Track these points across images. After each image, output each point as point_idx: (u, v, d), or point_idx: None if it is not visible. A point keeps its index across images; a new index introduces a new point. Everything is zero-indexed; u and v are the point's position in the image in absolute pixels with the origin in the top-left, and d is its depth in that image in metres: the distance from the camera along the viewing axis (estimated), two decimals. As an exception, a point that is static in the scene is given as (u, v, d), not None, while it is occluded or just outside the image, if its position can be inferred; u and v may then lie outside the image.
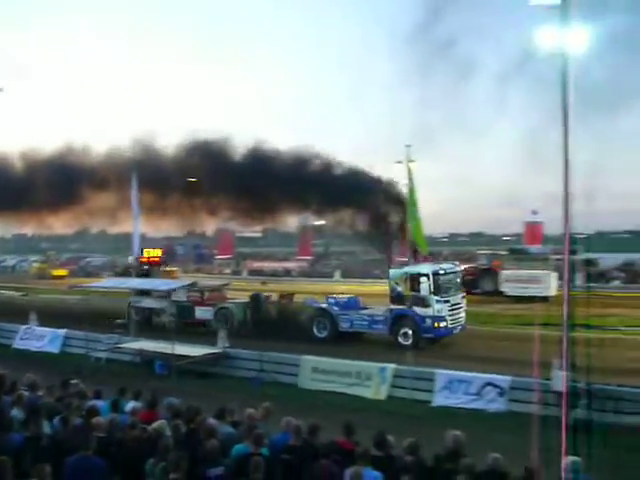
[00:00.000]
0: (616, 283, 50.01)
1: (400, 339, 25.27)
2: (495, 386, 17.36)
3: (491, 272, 47.14)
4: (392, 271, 26.97)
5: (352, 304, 28.24)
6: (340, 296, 29.11)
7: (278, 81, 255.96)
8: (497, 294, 41.72)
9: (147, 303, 31.35)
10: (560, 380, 15.23)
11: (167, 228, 47.84)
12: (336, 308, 27.47)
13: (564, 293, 16.35)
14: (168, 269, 62.09)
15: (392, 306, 25.98)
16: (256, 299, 31.32)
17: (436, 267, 26.79)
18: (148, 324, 30.44)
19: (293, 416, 9.32)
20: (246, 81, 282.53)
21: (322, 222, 56.30)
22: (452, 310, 25.74)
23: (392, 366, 19.08)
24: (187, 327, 29.25)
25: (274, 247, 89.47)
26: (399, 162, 26.94)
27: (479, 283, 46.45)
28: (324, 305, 27.95)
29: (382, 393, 18.83)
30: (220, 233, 60.49)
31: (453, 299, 25.99)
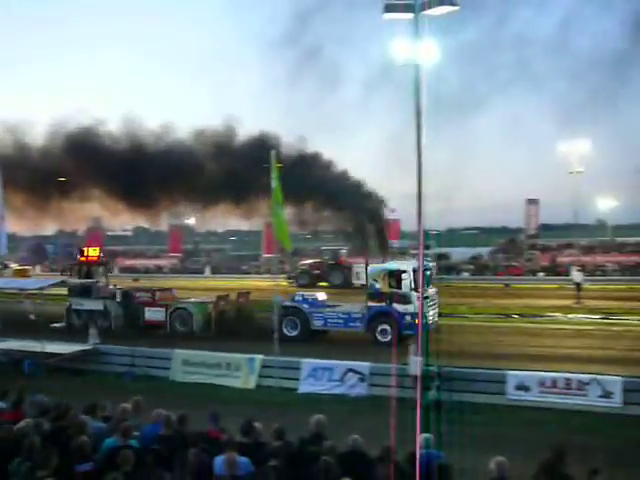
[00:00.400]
0: (465, 275, 52.61)
1: (378, 336, 23.99)
2: (356, 372, 17.75)
3: (338, 266, 48.38)
4: (370, 268, 25.50)
5: (318, 302, 26.58)
6: (308, 294, 27.51)
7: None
8: (348, 287, 42.43)
9: (89, 305, 28.85)
10: (415, 365, 15.82)
11: (39, 227, 44.82)
12: (306, 306, 25.85)
13: (419, 283, 17.03)
14: (20, 268, 59.44)
15: (370, 303, 24.62)
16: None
17: (416, 263, 25.47)
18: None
19: (164, 408, 9.16)
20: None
21: (193, 220, 55.72)
22: (430, 306, 24.72)
23: (260, 357, 19.10)
24: (139, 330, 27.28)
25: (145, 245, 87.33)
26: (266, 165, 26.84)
27: (327, 277, 47.45)
28: (296, 303, 25.99)
29: (251, 383, 18.81)
30: (90, 231, 58.40)
31: (430, 295, 25.06)
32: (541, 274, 51.24)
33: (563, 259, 54.61)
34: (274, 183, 19.81)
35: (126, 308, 28.51)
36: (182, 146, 33.87)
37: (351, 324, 24.91)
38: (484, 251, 63.03)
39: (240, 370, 19.16)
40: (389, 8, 17.24)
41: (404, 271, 24.57)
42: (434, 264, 32.54)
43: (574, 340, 24.27)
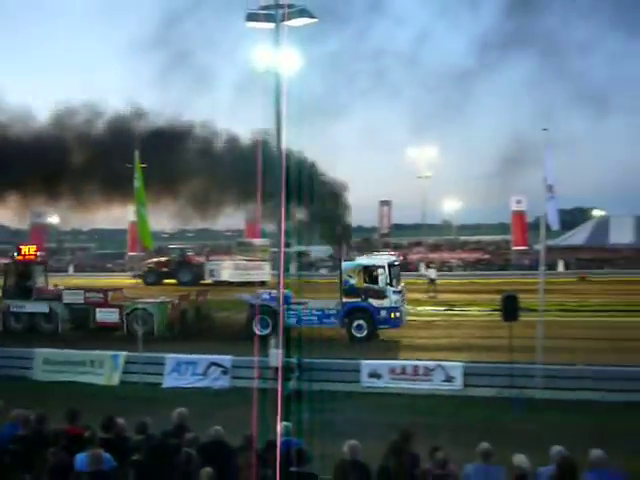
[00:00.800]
0: (323, 271, 53.51)
1: (354, 332, 23.27)
2: (219, 365, 17.64)
3: (187, 264, 47.49)
4: (345, 264, 24.74)
5: (288, 299, 24.08)
6: (274, 291, 25.93)
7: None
8: (196, 284, 41.63)
9: (31, 308, 26.21)
10: (276, 357, 15.93)
11: None
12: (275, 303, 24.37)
13: (280, 280, 17.17)
14: None
15: (344, 299, 23.75)
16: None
17: (392, 259, 25.81)
18: (32, 331, 25.60)
19: (25, 408, 8.69)
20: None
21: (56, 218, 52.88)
22: (402, 301, 24.44)
23: (124, 353, 18.55)
24: (90, 333, 25.05)
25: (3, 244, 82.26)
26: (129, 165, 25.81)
27: (175, 275, 46.28)
28: (266, 301, 24.10)
29: (115, 379, 18.22)
30: (33, 227, 54.13)
31: (402, 290, 24.71)
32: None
33: (413, 256, 56.85)
34: (137, 183, 19.24)
35: (72, 310, 26.11)
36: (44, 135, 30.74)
37: (325, 320, 23.83)
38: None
39: (104, 367, 18.51)
40: (251, 17, 17.32)
41: (380, 266, 24.19)
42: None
43: (423, 331, 25.26)
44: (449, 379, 16.18)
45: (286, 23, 16.99)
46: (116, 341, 22.94)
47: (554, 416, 13.91)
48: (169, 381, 17.83)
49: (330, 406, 13.98)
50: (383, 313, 23.31)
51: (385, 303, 23.43)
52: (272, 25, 17.20)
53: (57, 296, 26.47)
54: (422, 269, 50.48)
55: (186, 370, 17.88)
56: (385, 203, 65.90)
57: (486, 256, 56.24)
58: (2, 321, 26.32)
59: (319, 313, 23.85)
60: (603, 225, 60.29)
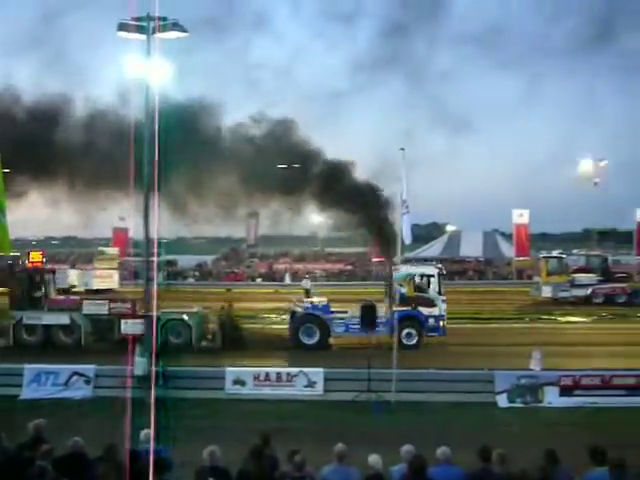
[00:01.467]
0: (191, 280, 52.78)
1: (403, 340, 22.09)
2: (81, 375, 16.90)
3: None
4: (396, 273, 23.78)
5: (327, 308, 24.18)
6: (316, 301, 25.06)
7: None
8: None
9: (48, 319, 23.71)
10: (141, 365, 15.52)
11: None
12: (324, 313, 23.56)
13: (153, 289, 16.85)
14: None
15: (395, 308, 22.44)
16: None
17: (439, 268, 25.50)
18: (48, 345, 23.37)
19: None
20: None
21: None
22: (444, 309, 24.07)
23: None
24: (115, 345, 22.55)
25: None
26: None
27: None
28: (315, 310, 23.73)
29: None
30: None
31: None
32: (259, 279, 53.16)
33: (278, 266, 57.25)
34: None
35: (93, 321, 24.08)
36: None
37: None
38: (209, 259, 63.94)
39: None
40: (122, 27, 16.85)
41: (431, 275, 24.19)
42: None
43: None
44: (311, 384, 16.42)
45: (158, 35, 16.68)
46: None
47: (408, 417, 14.49)
48: (28, 392, 16.82)
49: (194, 413, 13.81)
50: (431, 321, 23.30)
51: (434, 311, 23.46)
52: (143, 36, 16.85)
53: (76, 306, 24.38)
54: (287, 279, 50.99)
55: (46, 380, 16.96)
56: (253, 215, 65.75)
57: (349, 267, 57.59)
58: (12, 334, 23.82)
59: None
60: (455, 239, 63.58)
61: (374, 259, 53.76)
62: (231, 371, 16.77)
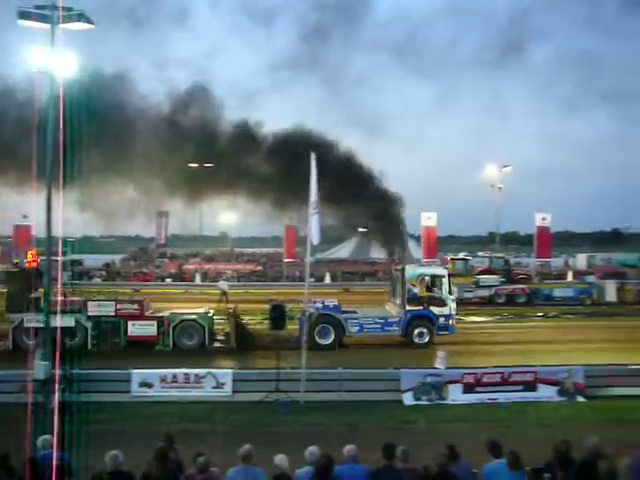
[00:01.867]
0: (97, 280, 51.33)
1: (415, 339, 23.26)
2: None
3: None
4: (408, 273, 24.19)
5: (337, 308, 24.08)
6: (328, 301, 24.60)
7: None
8: None
9: (52, 322, 20.99)
10: (41, 369, 14.96)
11: None
12: (338, 313, 23.69)
13: (59, 289, 16.28)
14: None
15: (408, 307, 23.60)
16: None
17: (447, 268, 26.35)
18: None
19: None
20: None
21: None
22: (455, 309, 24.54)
23: None
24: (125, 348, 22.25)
25: None
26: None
27: None
28: (329, 310, 23.61)
29: None
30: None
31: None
32: (169, 280, 52.24)
33: (189, 266, 56.42)
34: None
35: (98, 323, 22.93)
36: None
37: (387, 328, 23.66)
38: (117, 258, 62.28)
39: None
40: (23, 15, 16.11)
41: (442, 275, 24.47)
42: None
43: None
44: (219, 385, 16.29)
45: (62, 26, 16.06)
46: (167, 356, 21.14)
47: (316, 417, 14.63)
48: None
49: (98, 417, 13.44)
50: (442, 320, 23.67)
51: (445, 311, 23.81)
52: (47, 26, 16.19)
53: (79, 308, 23.11)
54: (197, 279, 50.37)
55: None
56: (162, 214, 64.60)
57: (259, 268, 57.45)
58: (12, 338, 22.55)
59: (382, 321, 23.81)
60: (366, 240, 64.47)
61: (286, 260, 53.97)
62: (137, 373, 16.40)
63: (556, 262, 67.22)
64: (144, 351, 22.04)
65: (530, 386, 16.34)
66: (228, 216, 66.91)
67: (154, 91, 25.72)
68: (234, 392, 16.25)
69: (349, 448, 7.52)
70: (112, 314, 23.15)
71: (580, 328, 28.33)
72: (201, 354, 21.92)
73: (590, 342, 23.95)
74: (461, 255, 53.64)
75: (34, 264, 26.04)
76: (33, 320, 22.09)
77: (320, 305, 23.81)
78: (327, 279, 51.06)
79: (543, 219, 51.89)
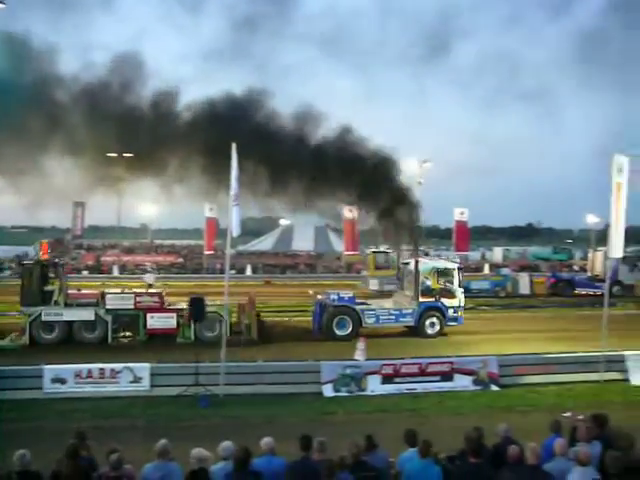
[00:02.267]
0: (7, 273, 49.48)
1: (427, 329, 24.18)
2: None
3: None
4: (422, 267, 25.05)
5: (352, 300, 24.70)
6: (343, 292, 25.31)
7: None
8: None
9: (71, 315, 21.99)
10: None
11: None
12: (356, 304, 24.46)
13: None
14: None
15: (421, 299, 24.55)
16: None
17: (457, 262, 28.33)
18: (67, 342, 21.76)
19: None
20: None
21: None
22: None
23: None
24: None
25: None
26: None
27: None
28: (345, 302, 24.24)
29: None
30: None
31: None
32: (85, 272, 50.79)
33: (106, 258, 55.03)
34: None
35: (117, 316, 22.52)
36: None
37: (402, 319, 24.52)
38: (30, 250, 59.98)
39: None
40: None
41: (453, 269, 25.57)
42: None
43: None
44: (136, 380, 15.95)
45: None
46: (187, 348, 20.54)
47: (235, 410, 14.58)
48: None
49: (8, 416, 12.97)
50: (451, 312, 24.65)
51: (454, 302, 24.82)
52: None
53: (97, 301, 22.71)
54: (115, 271, 49.14)
55: None
56: (79, 204, 62.68)
57: (180, 260, 56.62)
58: (29, 331, 21.83)
59: (396, 313, 24.57)
60: (288, 233, 64.58)
61: (206, 252, 53.35)
62: (50, 369, 15.86)
63: (474, 255, 69.36)
64: (164, 344, 21.76)
65: (447, 376, 16.78)
66: (148, 207, 65.87)
67: (72, 72, 24.60)
68: (152, 386, 15.96)
69: (266, 441, 7.53)
70: (131, 307, 22.72)
71: (495, 320, 29.26)
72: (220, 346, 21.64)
73: (504, 332, 24.85)
74: (382, 248, 54.49)
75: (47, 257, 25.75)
76: (52, 313, 21.98)
77: (335, 297, 24.39)
78: (248, 271, 50.80)
79: (461, 213, 53.27)
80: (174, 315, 22.84)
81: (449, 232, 61.84)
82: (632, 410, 14.38)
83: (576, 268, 53.72)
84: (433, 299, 24.78)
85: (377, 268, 40.67)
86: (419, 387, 16.49)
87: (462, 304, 25.30)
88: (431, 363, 16.93)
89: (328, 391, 16.16)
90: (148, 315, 22.60)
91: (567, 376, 17.24)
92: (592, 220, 62.99)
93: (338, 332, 23.70)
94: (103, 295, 22.87)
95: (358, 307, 24.38)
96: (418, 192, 52.77)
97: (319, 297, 25.32)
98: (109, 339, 22.22)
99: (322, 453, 7.21)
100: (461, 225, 54.39)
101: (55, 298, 22.55)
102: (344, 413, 14.60)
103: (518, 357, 18.16)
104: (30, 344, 21.63)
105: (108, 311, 22.36)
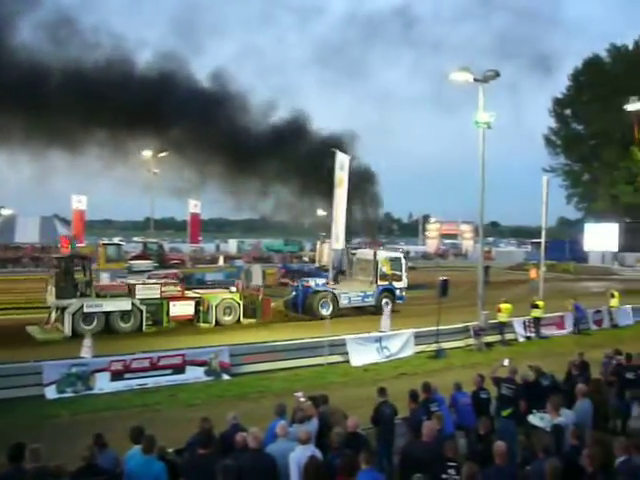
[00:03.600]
0: None
1: (383, 307, 25.71)
2: None
3: None
4: (380, 256, 30.24)
5: (324, 285, 29.26)
6: (318, 280, 29.75)
7: None
8: None
9: (110, 306, 22.80)
10: None
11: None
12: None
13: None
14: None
15: (379, 282, 29.63)
16: None
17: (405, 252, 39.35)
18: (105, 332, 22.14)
19: None
20: None
21: None
22: None
23: None
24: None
25: None
26: None
27: None
28: (323, 287, 28.78)
29: None
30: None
31: None
32: None
33: None
34: None
35: (146, 305, 23.87)
36: None
37: (366, 300, 29.18)
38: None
39: None
40: None
41: (400, 258, 31.49)
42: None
43: None
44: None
45: None
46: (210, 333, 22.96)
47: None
48: None
49: None
50: (398, 292, 30.07)
51: (401, 284, 30.36)
52: None
53: (126, 292, 24.11)
54: None
55: None
56: None
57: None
58: (72, 324, 22.21)
59: (362, 295, 29.16)
60: (10, 224, 59.44)
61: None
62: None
63: (209, 247, 70.18)
64: (187, 329, 24.11)
65: (179, 369, 16.68)
66: None
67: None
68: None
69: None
70: (158, 296, 24.32)
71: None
72: (238, 328, 24.72)
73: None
74: (115, 240, 52.64)
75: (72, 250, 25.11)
76: (93, 305, 22.68)
77: (314, 283, 28.84)
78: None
79: (195, 206, 53.58)
80: (192, 303, 25.14)
81: (186, 224, 61.83)
82: (350, 388, 15.79)
83: (306, 259, 56.80)
84: (387, 282, 29.76)
85: (109, 261, 39.18)
86: (150, 382, 16.15)
87: (406, 285, 30.71)
88: (162, 357, 16.67)
89: (51, 393, 15.07)
90: (171, 303, 24.59)
91: (295, 362, 18.21)
92: (320, 213, 67.15)
93: (323, 312, 27.26)
94: (130, 286, 24.25)
95: (336, 291, 28.66)
96: (152, 183, 52.06)
97: (298, 284, 29.44)
98: (143, 327, 23.45)
99: (36, 461, 6.68)
100: (195, 217, 54.77)
101: (85, 290, 23.28)
102: (70, 415, 13.78)
103: (248, 346, 18.70)
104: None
105: (142, 301, 23.62)
